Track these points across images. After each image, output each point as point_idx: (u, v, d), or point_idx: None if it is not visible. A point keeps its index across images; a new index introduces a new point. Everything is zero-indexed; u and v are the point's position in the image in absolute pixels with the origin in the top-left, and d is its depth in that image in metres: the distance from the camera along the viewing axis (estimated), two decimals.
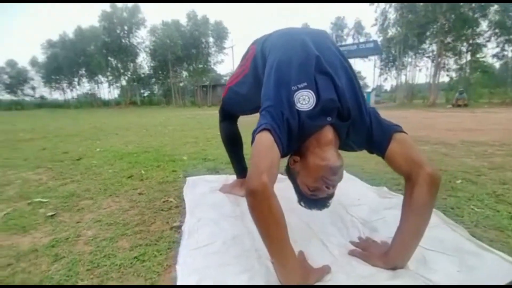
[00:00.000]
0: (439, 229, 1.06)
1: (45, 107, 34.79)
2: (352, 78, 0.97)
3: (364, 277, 0.82)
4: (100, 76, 41.31)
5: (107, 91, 46.34)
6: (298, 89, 0.91)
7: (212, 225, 1.17)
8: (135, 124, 7.08)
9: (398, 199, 1.35)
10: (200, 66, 34.31)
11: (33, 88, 49.78)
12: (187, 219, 1.23)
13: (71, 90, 45.05)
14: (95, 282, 0.85)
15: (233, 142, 1.64)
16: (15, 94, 49.04)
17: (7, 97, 48.67)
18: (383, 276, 0.83)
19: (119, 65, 37.03)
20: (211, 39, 34.18)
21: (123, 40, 34.50)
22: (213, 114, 11.49)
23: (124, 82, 39.67)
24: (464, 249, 0.93)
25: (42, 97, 48.38)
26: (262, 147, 0.84)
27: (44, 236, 1.16)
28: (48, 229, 1.23)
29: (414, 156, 0.87)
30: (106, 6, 33.40)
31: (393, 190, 1.56)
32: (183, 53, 32.64)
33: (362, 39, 32.91)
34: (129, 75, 38.60)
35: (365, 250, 0.96)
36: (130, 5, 33.72)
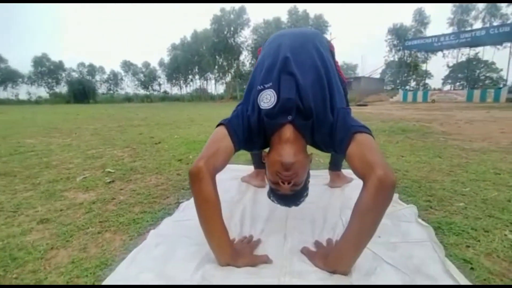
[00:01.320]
0: (418, 246, 0.93)
1: (167, 100, 41.56)
2: (322, 77, 0.97)
3: (296, 274, 0.81)
4: (209, 73, 46.61)
5: (214, 86, 52.08)
6: (263, 88, 0.97)
7: None
8: (225, 116, 7.81)
9: (400, 208, 1.22)
10: None
11: (159, 85, 60.00)
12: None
13: (186, 86, 52.52)
14: (98, 228, 1.13)
15: None
16: (147, 89, 60.12)
17: (142, 91, 60.13)
18: (315, 276, 0.80)
19: (224, 63, 40.89)
20: None
21: (229, 40, 37.78)
22: None
23: (228, 79, 43.66)
24: (425, 272, 0.80)
25: (165, 92, 57.88)
26: (212, 138, 0.95)
27: (94, 195, 1.55)
28: (100, 191, 1.62)
29: (369, 158, 0.81)
30: (217, 10, 37.08)
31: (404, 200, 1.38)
32: None
33: (496, 22, 26.82)
34: (232, 72, 42.19)
35: (316, 249, 0.95)
36: (237, 7, 36.56)
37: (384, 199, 0.77)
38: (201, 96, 46.68)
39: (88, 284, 0.80)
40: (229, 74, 41.97)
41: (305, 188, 1.01)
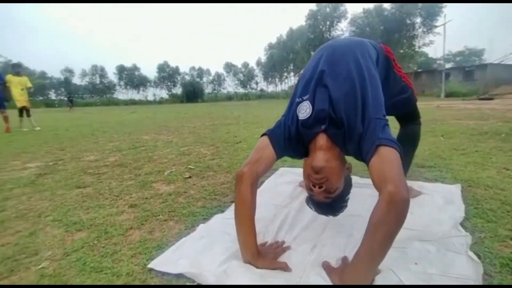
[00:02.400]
0: (456, 282, 0.81)
1: (262, 98, 43.59)
2: (356, 88, 0.98)
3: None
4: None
5: None
6: (301, 101, 1.05)
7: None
8: None
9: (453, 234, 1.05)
10: (401, 51, 30.82)
11: (257, 83, 63.48)
12: None
13: (281, 83, 53.90)
14: (165, 216, 1.39)
15: None
16: (245, 88, 64.44)
17: (241, 90, 64.79)
18: None
19: None
20: (418, 20, 29.65)
21: (325, 35, 36.75)
22: None
23: None
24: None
25: (261, 90, 60.80)
26: (257, 147, 1.09)
27: (172, 188, 1.88)
28: (178, 185, 1.94)
29: (386, 172, 0.81)
30: (313, 6, 36.49)
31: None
32: (383, 39, 30.52)
33: None
34: None
35: (338, 265, 0.94)
36: None
37: (394, 215, 0.76)
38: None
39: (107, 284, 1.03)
40: None
41: (342, 198, 1.02)
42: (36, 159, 3.03)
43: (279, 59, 46.50)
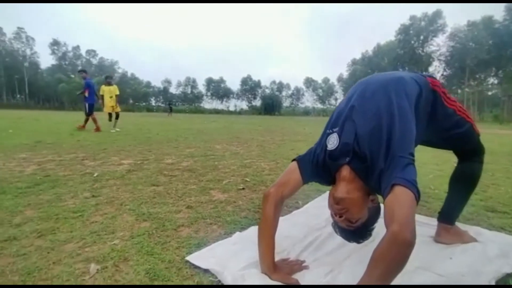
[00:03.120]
0: None
1: None
2: (382, 125, 1.02)
3: None
4: None
5: None
6: (331, 132, 1.14)
7: (291, 223, 1.55)
8: None
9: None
10: None
11: (336, 99, 61.90)
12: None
13: None
14: (211, 221, 1.61)
15: None
16: (324, 103, 63.47)
17: (319, 106, 64.06)
18: None
19: None
20: None
21: (416, 51, 33.75)
22: (497, 136, 8.99)
23: None
24: None
25: None
26: (286, 170, 1.22)
27: (226, 196, 2.11)
28: (231, 194, 2.16)
29: (395, 212, 0.84)
30: (405, 19, 34.01)
31: None
32: (491, 55, 26.36)
33: None
34: None
35: None
36: (430, 12, 32.16)
37: (394, 255, 0.79)
38: None
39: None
40: None
41: (366, 227, 1.06)
42: (130, 157, 3.70)
43: (361, 74, 44.43)
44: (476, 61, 27.15)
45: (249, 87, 68.30)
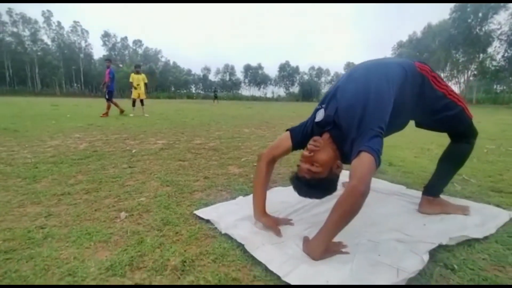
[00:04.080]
0: None
1: None
2: (358, 103, 1.17)
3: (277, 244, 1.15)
4: (441, 71, 40.00)
5: None
6: (320, 108, 1.34)
7: (289, 192, 1.75)
8: None
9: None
10: None
11: None
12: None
13: None
14: (222, 188, 1.87)
15: None
16: None
17: None
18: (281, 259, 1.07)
19: (462, 58, 33.58)
20: None
21: (473, 30, 30.48)
22: None
23: (465, 78, 35.60)
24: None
25: None
26: (279, 138, 1.44)
27: (241, 171, 2.35)
28: (246, 169, 2.41)
29: (356, 170, 1.02)
30: None
31: None
32: None
33: None
34: (473, 69, 33.91)
35: None
36: None
37: (349, 203, 1.00)
38: None
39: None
40: (467, 72, 33.98)
41: (319, 183, 1.20)
42: (164, 138, 4.12)
43: (408, 58, 41.45)
44: None
45: (287, 73, 67.55)
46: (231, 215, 1.39)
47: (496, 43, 30.69)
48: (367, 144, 1.06)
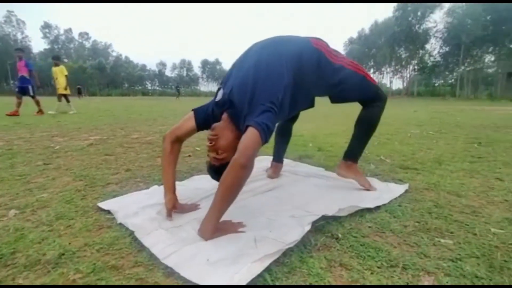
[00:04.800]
0: None
1: None
2: (249, 80, 1.18)
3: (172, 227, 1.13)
4: (387, 66, 42.96)
5: (389, 81, 47.61)
6: (220, 88, 1.33)
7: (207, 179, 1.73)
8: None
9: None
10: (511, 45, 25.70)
11: None
12: None
13: None
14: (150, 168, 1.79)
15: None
16: None
17: None
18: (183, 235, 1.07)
19: (404, 54, 36.39)
20: None
21: (413, 28, 33.14)
22: (480, 111, 9.13)
23: (408, 72, 38.66)
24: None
25: None
26: (183, 117, 1.39)
27: None
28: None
29: (240, 145, 1.03)
30: None
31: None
32: (487, 32, 25.94)
33: None
34: (413, 64, 36.95)
35: None
36: None
37: (231, 175, 1.00)
38: None
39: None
40: (409, 67, 36.96)
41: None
42: (99, 134, 3.86)
43: (359, 54, 43.87)
44: (472, 37, 26.76)
45: None
46: (135, 204, 1.33)
47: (432, 40, 33.72)
48: (255, 119, 1.07)
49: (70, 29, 69.09)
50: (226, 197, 1.02)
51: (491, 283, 0.81)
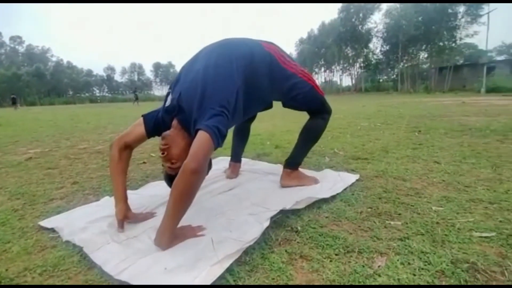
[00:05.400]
0: None
1: None
2: (197, 86, 1.13)
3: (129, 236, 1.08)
4: (336, 65, 45.34)
5: (339, 78, 50.44)
6: (169, 92, 1.27)
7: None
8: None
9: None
10: (441, 43, 28.75)
11: None
12: None
13: None
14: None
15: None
16: None
17: None
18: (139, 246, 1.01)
19: (351, 53, 38.79)
20: (461, 8, 27.23)
21: (357, 29, 35.44)
22: (418, 103, 10.02)
23: (355, 70, 41.25)
24: None
25: None
26: (133, 124, 1.31)
27: None
28: (129, 168, 2.20)
29: (192, 150, 0.98)
30: None
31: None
32: (420, 31, 28.71)
33: None
34: (360, 62, 39.54)
35: None
36: None
37: (182, 180, 0.95)
38: (327, 88, 46.00)
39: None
40: (356, 65, 39.51)
41: None
42: (40, 146, 3.50)
43: (309, 54, 45.66)
44: (408, 36, 29.42)
45: None
46: (84, 218, 1.22)
47: (374, 40, 36.40)
48: (205, 123, 1.04)
49: None
50: (179, 204, 0.97)
51: (435, 257, 0.88)
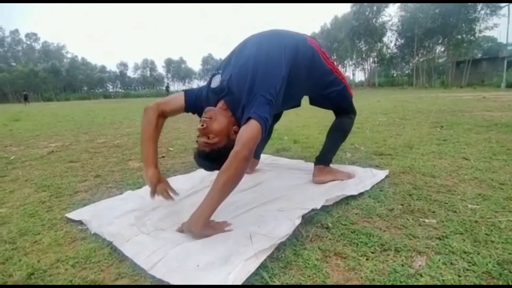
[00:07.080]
0: None
1: None
2: (248, 70, 1.14)
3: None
4: (349, 59, 44.59)
5: (352, 73, 49.61)
6: (217, 73, 1.27)
7: (189, 177, 1.65)
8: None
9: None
10: (459, 37, 27.77)
11: None
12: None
13: None
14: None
15: None
16: None
17: None
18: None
19: (364, 47, 37.98)
20: None
21: (370, 22, 34.63)
22: (435, 98, 9.73)
23: (368, 65, 40.45)
24: None
25: None
26: (173, 95, 1.35)
27: (140, 165, 2.16)
28: None
29: (242, 136, 1.01)
30: None
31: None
32: (436, 23, 27.79)
33: None
34: (373, 57, 38.71)
35: None
36: None
37: (233, 167, 0.97)
38: None
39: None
40: (369, 59, 38.69)
41: (219, 154, 1.11)
42: (60, 140, 3.57)
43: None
44: (424, 30, 28.55)
45: (212, 66, 66.56)
46: (110, 212, 1.22)
47: (389, 33, 35.51)
48: (255, 111, 1.05)
49: (17, 30, 63.62)
50: (225, 189, 0.98)
51: (480, 257, 0.84)
